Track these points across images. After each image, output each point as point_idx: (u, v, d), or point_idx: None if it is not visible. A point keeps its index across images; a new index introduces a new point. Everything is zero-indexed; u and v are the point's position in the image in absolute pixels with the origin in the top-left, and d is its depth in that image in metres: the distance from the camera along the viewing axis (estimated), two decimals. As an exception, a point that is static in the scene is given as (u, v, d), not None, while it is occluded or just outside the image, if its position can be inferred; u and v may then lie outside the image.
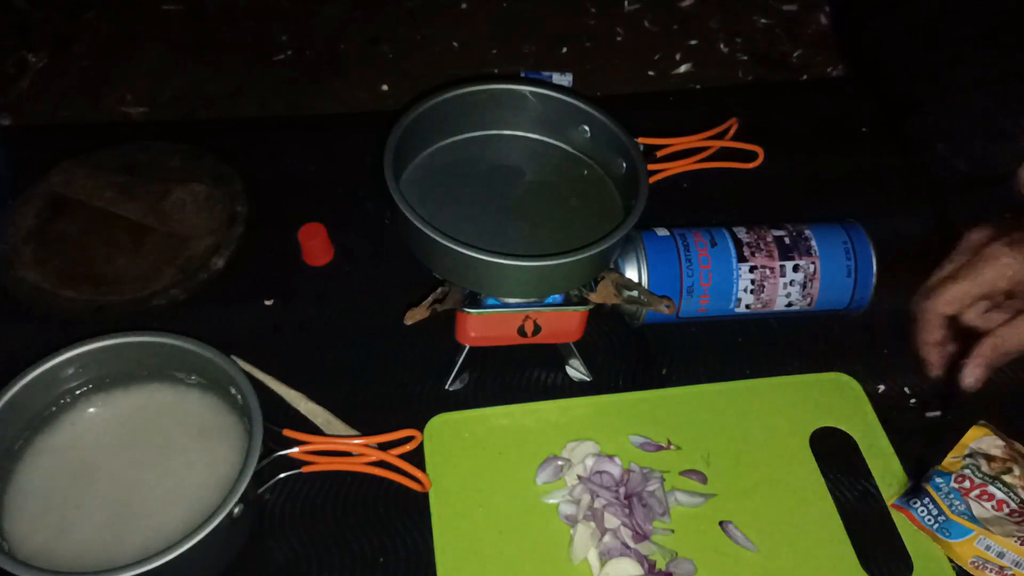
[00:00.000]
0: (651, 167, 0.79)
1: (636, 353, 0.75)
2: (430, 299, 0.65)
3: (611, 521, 0.64)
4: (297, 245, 0.79)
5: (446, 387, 0.72)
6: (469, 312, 0.67)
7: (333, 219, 0.80)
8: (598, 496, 0.64)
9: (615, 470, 0.66)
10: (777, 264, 0.72)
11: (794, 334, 0.76)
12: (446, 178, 0.71)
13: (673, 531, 0.64)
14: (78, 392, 0.63)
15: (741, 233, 0.73)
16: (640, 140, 0.79)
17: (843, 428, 0.71)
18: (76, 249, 0.79)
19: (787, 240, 0.73)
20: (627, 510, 0.64)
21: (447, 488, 0.66)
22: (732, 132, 0.86)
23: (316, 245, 0.79)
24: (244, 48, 1.04)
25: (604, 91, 0.97)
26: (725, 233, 0.73)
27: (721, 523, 0.65)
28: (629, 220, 0.64)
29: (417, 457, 0.66)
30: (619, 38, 1.06)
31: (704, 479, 0.67)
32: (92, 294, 0.76)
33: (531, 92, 0.73)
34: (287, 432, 0.62)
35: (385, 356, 0.74)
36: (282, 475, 0.62)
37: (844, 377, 0.74)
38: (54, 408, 0.62)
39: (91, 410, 0.63)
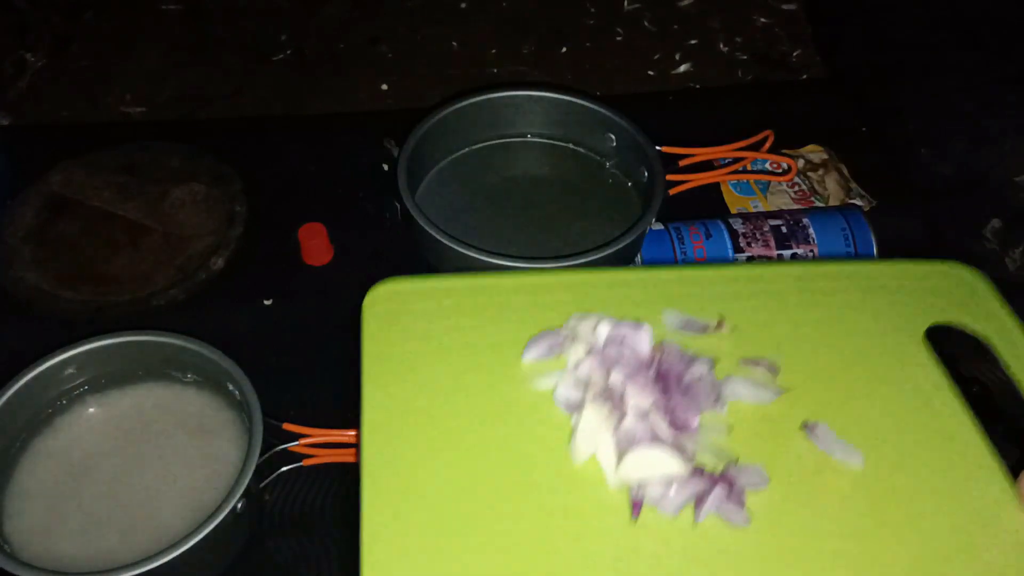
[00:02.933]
0: (678, 177, 0.78)
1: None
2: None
3: (636, 400, 0.45)
4: (297, 245, 0.79)
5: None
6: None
7: (333, 219, 0.80)
8: (616, 371, 0.46)
9: (642, 340, 0.47)
10: (774, 253, 0.72)
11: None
12: (467, 184, 0.72)
13: (731, 429, 0.46)
14: (76, 393, 0.63)
15: (737, 224, 0.73)
16: (666, 149, 0.77)
17: (968, 325, 0.53)
18: (75, 249, 0.79)
19: (784, 229, 0.72)
20: (661, 393, 0.46)
21: (388, 373, 0.47)
22: (768, 144, 0.83)
23: (316, 245, 0.79)
24: (244, 48, 1.04)
25: (604, 91, 0.97)
26: (721, 224, 0.73)
27: (805, 424, 0.47)
28: (633, 230, 0.64)
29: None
30: (619, 38, 1.05)
31: (775, 370, 0.49)
32: (91, 294, 0.76)
33: (555, 99, 0.74)
34: (287, 426, 0.62)
35: (385, 356, 0.74)
36: (284, 468, 0.62)
37: (963, 268, 0.56)
38: (51, 409, 0.62)
39: (89, 410, 0.63)
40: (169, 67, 1.01)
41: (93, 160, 0.85)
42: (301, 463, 0.63)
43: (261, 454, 0.57)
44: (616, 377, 0.46)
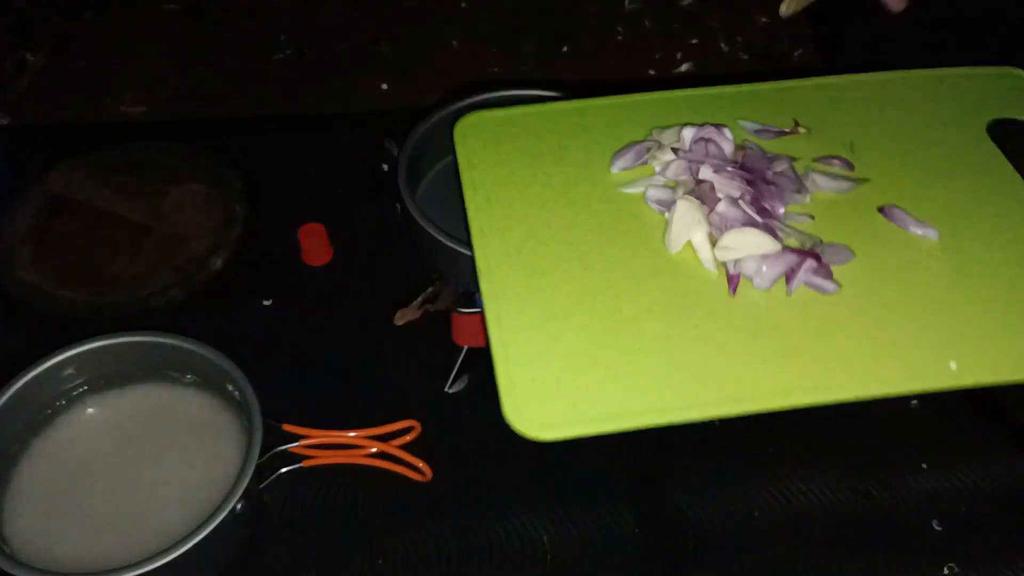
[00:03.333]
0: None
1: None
2: (420, 299, 0.65)
3: (727, 189, 0.50)
4: (296, 245, 0.79)
5: (446, 389, 0.72)
6: (463, 313, 0.67)
7: (332, 219, 0.80)
8: (704, 167, 0.51)
9: (726, 139, 0.52)
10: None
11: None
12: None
13: (812, 217, 0.52)
14: (75, 393, 0.63)
15: None
16: None
17: None
18: (75, 249, 0.79)
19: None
20: (748, 185, 0.50)
21: (489, 187, 0.54)
22: None
23: (315, 245, 0.79)
24: (244, 48, 1.04)
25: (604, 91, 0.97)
26: None
27: (882, 208, 0.53)
28: None
29: (417, 448, 0.66)
30: (619, 37, 1.05)
31: (850, 166, 0.55)
32: (91, 294, 0.76)
33: (555, 98, 0.73)
34: (287, 427, 0.62)
35: (384, 357, 0.74)
36: (283, 469, 0.62)
37: (1019, 71, 0.62)
38: (50, 410, 0.62)
39: (88, 411, 0.63)
40: (169, 67, 1.01)
41: (93, 160, 0.85)
42: (301, 464, 0.62)
43: (261, 455, 0.57)
44: (706, 172, 0.50)
